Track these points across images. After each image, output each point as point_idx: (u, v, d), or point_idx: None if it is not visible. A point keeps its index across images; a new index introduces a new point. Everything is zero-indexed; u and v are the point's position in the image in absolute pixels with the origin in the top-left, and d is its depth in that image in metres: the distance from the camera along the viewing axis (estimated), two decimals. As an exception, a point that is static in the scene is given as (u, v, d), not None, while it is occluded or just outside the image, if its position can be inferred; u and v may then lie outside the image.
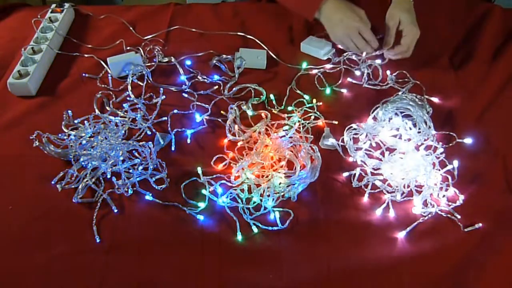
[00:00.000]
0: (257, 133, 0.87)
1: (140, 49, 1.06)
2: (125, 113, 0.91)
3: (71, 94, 0.98)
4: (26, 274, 0.68)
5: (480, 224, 0.75)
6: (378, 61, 1.04)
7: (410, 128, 0.87)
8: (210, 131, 0.91)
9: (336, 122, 0.92)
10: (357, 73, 1.03)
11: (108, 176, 0.78)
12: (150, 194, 0.77)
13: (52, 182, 0.79)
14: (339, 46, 1.09)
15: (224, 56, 1.06)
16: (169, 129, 0.90)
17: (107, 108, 0.93)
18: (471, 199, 0.79)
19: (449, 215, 0.76)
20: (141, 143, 0.84)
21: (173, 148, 0.86)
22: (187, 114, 0.93)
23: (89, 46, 1.10)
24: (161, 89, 0.97)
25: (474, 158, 0.85)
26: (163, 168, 0.82)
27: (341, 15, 1.00)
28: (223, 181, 0.80)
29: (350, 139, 0.86)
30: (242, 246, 0.72)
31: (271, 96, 0.97)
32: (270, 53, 1.07)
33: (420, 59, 1.06)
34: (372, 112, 0.92)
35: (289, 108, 0.95)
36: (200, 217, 0.75)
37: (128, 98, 0.94)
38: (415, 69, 1.04)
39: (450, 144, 0.88)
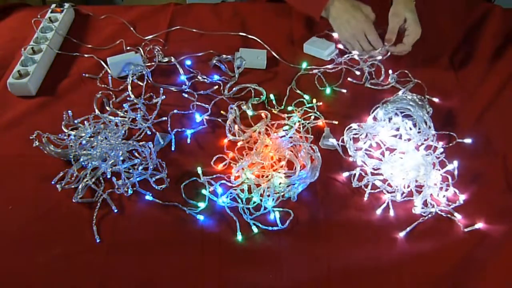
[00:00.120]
0: (257, 133, 0.87)
1: (140, 49, 1.06)
2: (125, 113, 0.91)
3: (71, 94, 0.98)
4: (26, 274, 0.68)
5: (480, 224, 0.75)
6: (379, 57, 1.03)
7: (410, 128, 0.87)
8: (210, 131, 0.91)
9: (336, 122, 0.92)
10: (358, 73, 1.03)
11: (108, 176, 0.78)
12: (150, 194, 0.77)
13: (52, 182, 0.79)
14: (340, 46, 1.09)
15: (224, 56, 1.06)
16: (169, 129, 0.90)
17: (107, 108, 0.93)
18: (471, 199, 0.79)
19: (449, 215, 0.76)
20: (141, 143, 0.84)
21: (173, 148, 0.86)
22: (187, 114, 0.93)
23: (89, 46, 1.10)
24: (161, 89, 0.97)
25: (474, 158, 0.85)
26: (163, 168, 0.82)
27: (348, 15, 1.00)
28: (223, 181, 0.80)
29: (350, 139, 0.86)
30: (242, 246, 0.72)
31: (271, 96, 0.96)
32: (272, 52, 1.07)
33: (420, 59, 1.06)
34: (372, 112, 0.92)
35: (289, 108, 0.95)
36: (200, 217, 0.75)
37: (128, 98, 0.94)
38: (415, 69, 1.04)
39: (450, 144, 0.88)
